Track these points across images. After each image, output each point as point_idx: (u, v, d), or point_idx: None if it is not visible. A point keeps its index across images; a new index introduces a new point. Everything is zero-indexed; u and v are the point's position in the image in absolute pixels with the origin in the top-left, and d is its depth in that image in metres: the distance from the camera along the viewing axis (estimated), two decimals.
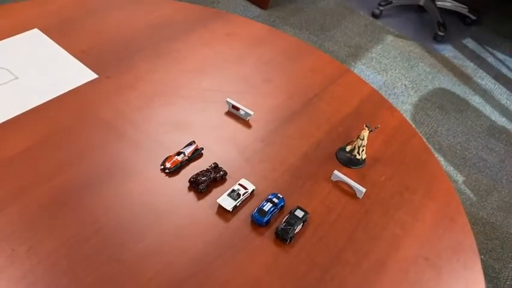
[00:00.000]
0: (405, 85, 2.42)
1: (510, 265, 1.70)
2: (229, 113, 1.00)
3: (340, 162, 0.94)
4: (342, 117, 1.05)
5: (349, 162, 0.94)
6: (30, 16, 1.14)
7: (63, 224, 0.74)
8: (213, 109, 1.01)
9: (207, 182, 0.83)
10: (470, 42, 2.86)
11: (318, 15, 2.78)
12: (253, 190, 0.84)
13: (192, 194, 0.83)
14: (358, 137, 0.92)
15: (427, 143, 2.12)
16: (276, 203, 0.81)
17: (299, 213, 0.80)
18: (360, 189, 0.87)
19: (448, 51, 2.75)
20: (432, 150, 2.10)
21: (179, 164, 0.85)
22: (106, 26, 1.17)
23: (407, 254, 0.81)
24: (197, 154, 0.89)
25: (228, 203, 0.80)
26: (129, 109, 0.96)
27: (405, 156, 0.99)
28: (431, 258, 0.81)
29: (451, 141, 2.16)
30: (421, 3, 2.88)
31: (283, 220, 0.79)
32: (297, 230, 0.79)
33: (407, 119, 2.23)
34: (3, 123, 0.88)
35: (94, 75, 1.02)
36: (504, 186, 2.00)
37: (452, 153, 2.10)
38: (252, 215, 0.80)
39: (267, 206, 0.80)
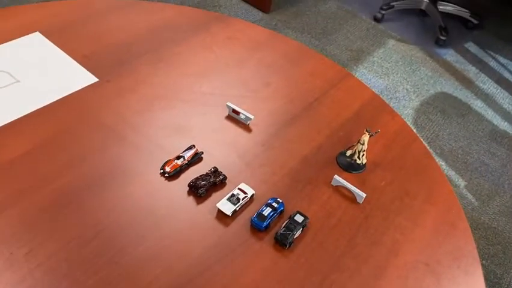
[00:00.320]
0: (407, 89, 2.42)
1: None
2: (229, 117, 1.00)
3: (340, 167, 0.94)
4: (342, 121, 1.05)
5: (349, 166, 0.94)
6: (31, 19, 1.15)
7: (63, 226, 0.74)
8: (213, 113, 1.01)
9: (206, 187, 0.83)
10: (472, 47, 2.86)
11: (320, 19, 2.78)
12: (252, 195, 0.84)
13: (191, 199, 0.82)
14: (358, 142, 0.92)
15: (428, 148, 2.12)
16: (276, 208, 0.81)
17: (299, 218, 0.80)
18: (361, 194, 0.87)
19: (449, 55, 2.74)
20: (434, 154, 2.09)
21: (178, 168, 0.85)
22: (107, 29, 1.17)
23: (407, 259, 0.80)
24: (197, 158, 0.89)
25: (228, 208, 0.80)
26: (129, 112, 0.96)
27: (406, 161, 0.99)
28: (431, 264, 0.81)
29: (452, 146, 2.15)
30: (423, 7, 2.88)
31: (283, 225, 0.79)
32: (296, 235, 0.79)
33: (409, 123, 2.22)
34: (4, 126, 0.88)
35: (95, 79, 1.02)
36: (506, 191, 1.99)
37: (454, 158, 2.09)
38: (252, 220, 0.79)
39: (267, 211, 0.80)
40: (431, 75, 2.56)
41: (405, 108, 2.31)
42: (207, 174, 0.85)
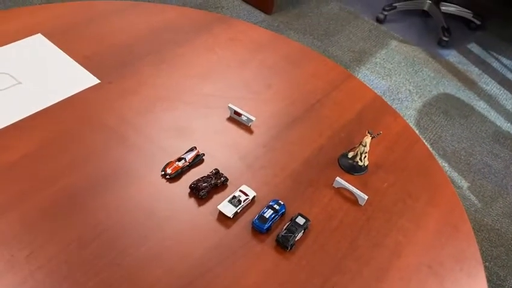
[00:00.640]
0: (409, 90, 2.42)
1: None
2: (231, 119, 1.00)
3: (342, 169, 0.94)
4: (344, 123, 1.05)
5: (351, 168, 0.93)
6: (33, 21, 1.15)
7: (64, 228, 0.74)
8: (215, 115, 1.00)
9: (207, 188, 0.83)
10: (474, 47, 2.85)
11: (322, 20, 2.78)
12: (254, 196, 0.83)
13: (192, 200, 0.82)
14: (360, 143, 0.92)
15: (431, 149, 2.11)
16: (277, 210, 0.81)
17: (300, 220, 0.80)
18: (362, 196, 0.86)
19: (452, 56, 2.74)
20: (437, 156, 2.09)
21: (180, 170, 0.85)
22: (109, 31, 1.17)
23: (410, 262, 0.80)
24: (198, 160, 0.89)
25: (229, 210, 0.80)
26: (131, 114, 0.96)
27: (408, 163, 0.98)
28: (434, 266, 0.80)
29: (455, 147, 2.15)
30: (425, 8, 2.87)
31: (284, 227, 0.79)
32: (298, 237, 0.79)
33: (411, 124, 2.22)
34: (6, 127, 0.88)
35: (97, 80, 1.02)
36: (509, 192, 1.98)
37: (457, 159, 2.09)
38: (253, 222, 0.79)
39: (268, 213, 0.80)
40: (434, 76, 2.55)
41: (408, 109, 2.30)
42: (208, 176, 0.84)
